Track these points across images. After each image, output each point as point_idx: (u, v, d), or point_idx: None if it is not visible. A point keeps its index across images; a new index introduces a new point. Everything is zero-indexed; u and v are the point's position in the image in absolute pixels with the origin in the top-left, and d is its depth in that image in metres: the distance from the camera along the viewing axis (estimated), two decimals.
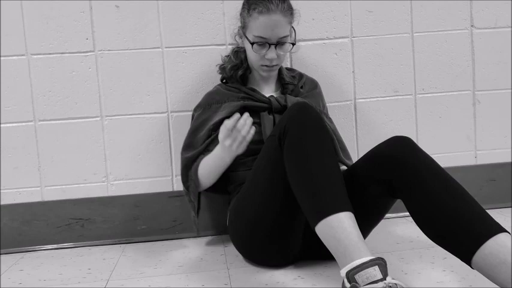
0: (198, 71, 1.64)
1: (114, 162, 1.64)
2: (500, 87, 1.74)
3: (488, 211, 1.71)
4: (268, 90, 1.51)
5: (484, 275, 1.01)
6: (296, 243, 1.27)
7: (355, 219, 1.05)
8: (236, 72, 1.49)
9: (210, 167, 1.40)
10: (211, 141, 1.43)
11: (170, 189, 1.66)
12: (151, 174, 1.65)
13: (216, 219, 1.65)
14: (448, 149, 1.74)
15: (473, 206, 1.07)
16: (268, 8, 1.35)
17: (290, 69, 1.59)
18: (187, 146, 1.48)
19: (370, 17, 1.69)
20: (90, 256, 1.54)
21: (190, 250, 1.53)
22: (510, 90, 1.75)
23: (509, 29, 1.73)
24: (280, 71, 1.52)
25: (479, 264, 1.01)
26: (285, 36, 1.39)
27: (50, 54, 1.61)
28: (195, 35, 1.64)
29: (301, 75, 1.57)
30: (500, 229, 1.02)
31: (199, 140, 1.45)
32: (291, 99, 1.44)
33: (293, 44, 1.42)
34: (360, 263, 0.97)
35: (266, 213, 1.22)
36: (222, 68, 1.52)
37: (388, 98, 1.71)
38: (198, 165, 1.42)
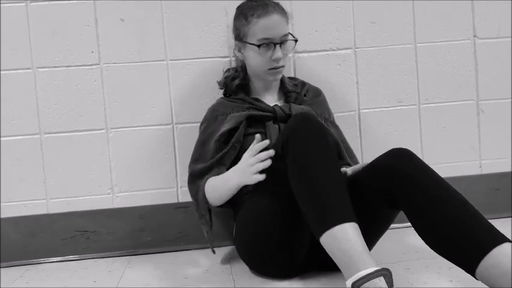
0: (203, 83, 1.65)
1: (120, 174, 1.65)
2: (503, 97, 1.75)
3: (493, 221, 1.71)
4: (271, 100, 1.50)
5: (487, 285, 1.01)
6: (302, 254, 1.26)
7: (359, 229, 1.06)
8: (232, 83, 1.49)
9: (217, 188, 1.35)
10: (225, 155, 1.40)
11: (175, 201, 1.66)
12: (156, 186, 1.66)
13: (222, 231, 1.65)
14: (453, 159, 1.74)
15: (475, 215, 1.07)
16: (267, 10, 1.38)
17: (292, 78, 1.60)
18: (196, 159, 1.46)
19: (373, 28, 1.70)
20: (95, 268, 1.54)
21: (196, 262, 1.53)
22: None
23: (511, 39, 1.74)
24: (282, 79, 1.51)
25: (483, 274, 1.00)
26: (286, 35, 1.41)
27: (55, 67, 1.62)
28: (199, 47, 1.65)
29: (303, 84, 1.57)
30: (503, 238, 1.02)
31: (208, 152, 1.44)
32: (296, 108, 1.43)
33: (295, 41, 1.43)
34: (366, 273, 0.97)
35: (270, 224, 1.23)
36: (223, 84, 1.53)
37: (392, 108, 1.72)
38: (205, 184, 1.38)
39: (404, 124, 1.72)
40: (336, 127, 1.56)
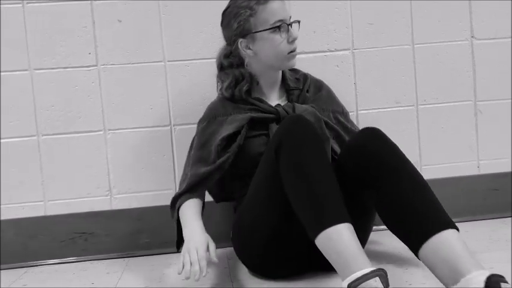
0: (201, 84, 1.65)
1: (117, 175, 1.65)
2: (501, 97, 1.75)
3: (491, 221, 1.73)
4: (274, 98, 1.46)
5: (429, 269, 1.05)
6: (299, 255, 1.26)
7: (353, 230, 1.06)
8: (241, 90, 1.41)
9: (181, 217, 1.37)
10: (225, 161, 1.37)
11: None
12: (154, 187, 1.66)
13: (220, 232, 1.64)
14: (451, 159, 1.74)
15: (429, 200, 1.10)
16: None
17: (293, 70, 1.55)
18: (197, 160, 1.42)
19: (371, 29, 1.70)
20: (93, 270, 1.54)
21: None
22: (511, 100, 1.75)
23: (509, 39, 1.74)
24: (283, 74, 1.47)
25: (424, 257, 1.05)
26: (291, 17, 1.38)
27: (52, 69, 1.62)
28: (197, 48, 1.65)
29: (305, 77, 1.52)
30: (448, 225, 1.05)
31: (209, 155, 1.40)
32: (300, 108, 1.39)
33: (299, 22, 1.40)
34: (361, 274, 0.97)
35: (266, 225, 1.23)
36: (230, 94, 1.42)
37: (390, 109, 1.72)
38: (183, 204, 1.37)
39: (402, 125, 1.72)
40: (351, 123, 1.52)
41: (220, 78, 1.45)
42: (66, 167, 1.63)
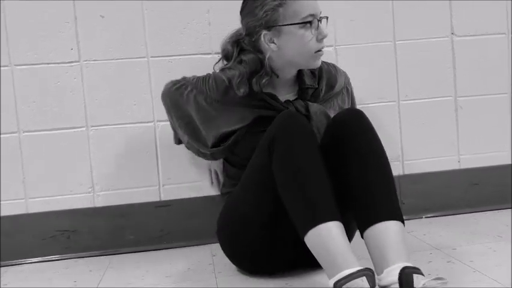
0: None
1: (100, 172, 1.63)
2: (481, 93, 1.78)
3: (471, 214, 1.76)
4: (284, 92, 1.35)
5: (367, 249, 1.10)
6: (286, 251, 1.26)
7: (343, 228, 1.06)
8: (259, 84, 1.29)
9: None
10: (220, 151, 1.36)
11: (157, 199, 1.65)
12: (137, 184, 1.64)
13: (204, 228, 1.64)
14: (432, 154, 1.76)
15: (385, 187, 1.12)
16: None
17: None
18: (198, 138, 1.38)
19: (353, 25, 1.71)
20: (76, 268, 1.52)
21: (178, 260, 1.52)
22: (490, 96, 1.78)
23: (488, 36, 1.77)
24: (301, 69, 1.35)
25: (366, 242, 1.10)
26: (321, 12, 1.28)
27: (34, 64, 1.60)
28: (181, 44, 1.64)
29: (320, 71, 1.38)
30: (390, 216, 1.08)
31: (210, 138, 1.35)
32: (313, 108, 1.31)
33: (327, 18, 1.29)
34: (348, 273, 0.98)
35: (255, 220, 1.22)
36: (248, 87, 1.29)
37: (372, 104, 1.73)
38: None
39: (385, 120, 1.74)
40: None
41: (228, 69, 1.31)
42: (48, 164, 1.61)
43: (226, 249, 1.34)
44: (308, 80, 1.35)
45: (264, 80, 1.28)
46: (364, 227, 1.10)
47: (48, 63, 1.60)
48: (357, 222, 1.13)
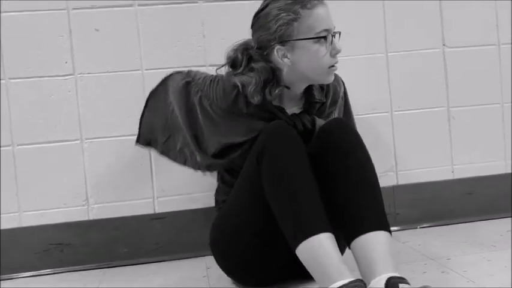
0: None
1: (95, 185, 1.63)
2: (473, 103, 1.79)
3: (465, 224, 1.76)
4: (290, 105, 1.32)
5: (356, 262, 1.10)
6: (281, 262, 1.25)
7: (335, 239, 1.07)
8: (272, 95, 1.26)
9: None
10: (220, 164, 1.33)
11: (152, 212, 1.65)
12: (132, 196, 1.64)
13: (199, 241, 1.63)
14: (426, 165, 1.77)
15: (372, 198, 1.12)
16: None
17: None
18: (198, 139, 1.33)
19: (347, 38, 1.72)
20: (69, 282, 1.51)
21: (173, 273, 1.51)
22: (483, 106, 1.80)
23: (479, 47, 1.79)
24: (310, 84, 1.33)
25: (353, 252, 1.10)
26: (335, 27, 1.26)
27: (28, 78, 1.60)
28: (175, 56, 1.65)
29: (328, 86, 1.36)
30: (378, 226, 1.08)
31: (211, 145, 1.31)
32: (319, 123, 1.29)
33: (340, 33, 1.27)
34: (340, 285, 0.98)
35: (247, 231, 1.22)
36: (255, 90, 1.24)
37: (365, 115, 1.74)
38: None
39: (378, 131, 1.75)
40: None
41: (241, 75, 1.27)
42: (42, 177, 1.60)
43: (220, 261, 1.34)
44: (317, 95, 1.33)
45: (277, 90, 1.26)
46: (350, 238, 1.10)
47: (42, 77, 1.61)
48: (343, 232, 1.12)
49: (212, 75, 1.36)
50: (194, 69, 1.64)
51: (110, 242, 1.62)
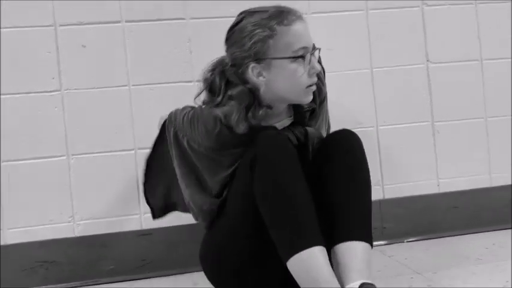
0: (166, 108, 1.64)
1: (81, 201, 1.61)
2: (457, 118, 1.82)
3: (451, 238, 1.77)
4: (279, 119, 1.26)
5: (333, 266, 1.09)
6: (272, 274, 1.22)
7: (326, 252, 1.06)
8: (256, 116, 1.19)
9: None
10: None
11: (139, 228, 1.64)
12: (119, 212, 1.63)
13: (186, 257, 1.62)
14: (412, 178, 1.79)
15: (360, 207, 1.13)
16: (295, 15, 1.17)
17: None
18: (201, 184, 1.26)
19: (332, 54, 1.75)
20: None
21: None
22: (466, 121, 1.82)
23: (462, 63, 1.82)
24: None
25: (332, 257, 1.10)
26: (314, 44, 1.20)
27: (14, 94, 1.59)
28: (162, 72, 1.66)
29: (320, 89, 1.29)
30: (359, 237, 1.09)
31: (214, 185, 1.24)
32: (311, 135, 1.23)
33: (319, 49, 1.22)
34: None
35: (238, 243, 1.20)
36: (239, 120, 1.17)
37: (352, 130, 1.75)
38: None
39: (364, 145, 1.76)
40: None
41: (222, 106, 1.20)
42: (27, 193, 1.59)
43: (208, 273, 1.30)
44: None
45: (260, 112, 1.19)
46: (333, 242, 1.10)
47: (29, 92, 1.60)
48: (325, 237, 1.10)
49: (189, 110, 1.28)
50: (181, 84, 1.66)
51: (96, 259, 1.61)
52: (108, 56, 1.64)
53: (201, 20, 1.67)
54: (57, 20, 1.61)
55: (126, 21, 1.64)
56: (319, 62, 1.30)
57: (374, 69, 1.78)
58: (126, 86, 1.65)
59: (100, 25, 1.63)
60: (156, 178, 1.37)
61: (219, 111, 1.19)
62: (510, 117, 1.83)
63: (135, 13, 1.64)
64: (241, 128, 1.17)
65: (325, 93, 1.34)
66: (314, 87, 1.21)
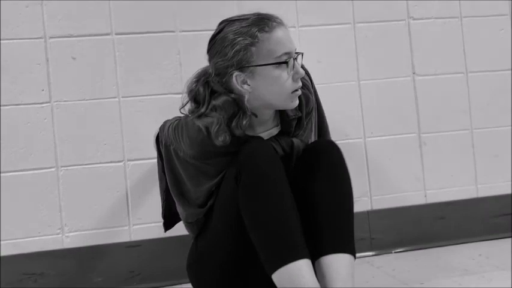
0: (155, 120, 1.65)
1: (70, 213, 1.61)
2: (443, 130, 1.84)
3: (438, 248, 1.79)
4: (264, 128, 1.25)
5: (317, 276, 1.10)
6: (256, 285, 1.22)
7: (311, 265, 1.07)
8: (241, 127, 1.17)
9: None
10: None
11: (128, 239, 1.63)
12: (108, 224, 1.63)
13: (174, 268, 1.62)
14: (399, 190, 1.80)
15: (343, 220, 1.14)
16: (277, 21, 1.17)
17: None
18: (182, 193, 1.26)
19: (319, 67, 1.77)
20: None
21: None
22: (453, 132, 1.84)
23: (448, 75, 1.85)
24: None
25: (316, 268, 1.11)
26: (296, 49, 1.19)
27: (4, 105, 1.60)
28: (152, 84, 1.67)
29: (307, 98, 1.28)
30: (342, 249, 1.10)
31: (199, 195, 1.24)
32: (296, 145, 1.23)
33: (302, 54, 1.21)
34: None
35: (223, 252, 1.20)
36: (218, 131, 1.15)
37: (339, 141, 1.74)
38: None
39: (352, 156, 1.77)
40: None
41: (205, 117, 1.18)
42: (16, 205, 1.58)
43: (194, 284, 1.29)
44: (291, 111, 1.24)
45: (244, 122, 1.17)
46: (317, 254, 1.11)
47: (18, 104, 1.60)
48: (309, 248, 1.10)
49: (174, 120, 1.28)
50: (171, 96, 1.67)
51: (85, 271, 1.60)
52: (98, 68, 1.64)
53: (190, 32, 1.69)
54: (47, 32, 1.62)
55: (116, 34, 1.66)
56: (305, 70, 1.31)
57: (361, 82, 1.80)
58: (115, 97, 1.66)
59: (90, 37, 1.64)
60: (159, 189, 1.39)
61: (200, 123, 1.19)
62: (495, 128, 1.86)
63: (124, 26, 1.66)
64: (220, 140, 1.15)
65: (314, 103, 1.33)
66: (299, 92, 1.20)
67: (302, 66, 1.28)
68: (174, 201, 1.31)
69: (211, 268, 1.23)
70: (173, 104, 1.63)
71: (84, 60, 1.64)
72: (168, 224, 1.40)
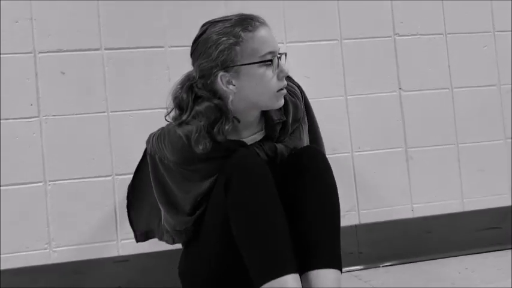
0: (144, 134, 1.66)
1: (57, 228, 1.60)
2: (429, 144, 1.87)
3: (426, 262, 1.80)
4: (249, 132, 1.24)
5: None
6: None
7: (299, 279, 1.07)
8: (223, 131, 1.17)
9: None
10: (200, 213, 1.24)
11: (116, 254, 1.63)
12: (95, 239, 1.62)
13: (162, 283, 1.62)
14: (386, 204, 1.82)
15: (330, 233, 1.14)
16: (260, 21, 1.18)
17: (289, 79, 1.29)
18: (173, 203, 1.24)
19: (308, 82, 1.79)
20: None
21: None
22: (439, 147, 1.87)
23: (434, 91, 1.88)
24: None
25: (303, 281, 1.10)
26: (279, 48, 1.20)
27: None
28: (141, 99, 1.68)
29: (295, 105, 1.28)
30: (329, 264, 1.11)
31: (186, 203, 1.23)
32: (280, 151, 1.22)
33: (285, 54, 1.21)
34: None
35: (211, 263, 1.20)
36: (198, 138, 1.15)
37: (327, 156, 1.78)
38: None
39: (339, 170, 1.78)
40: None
41: (185, 124, 1.18)
42: (3, 219, 1.57)
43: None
44: (275, 115, 1.24)
45: (227, 127, 1.17)
46: (303, 268, 1.11)
47: (7, 119, 1.60)
48: (297, 259, 1.11)
49: (158, 130, 1.29)
50: (160, 110, 1.67)
51: (72, 286, 1.59)
52: (87, 83, 1.65)
53: (179, 48, 1.71)
54: (36, 47, 1.63)
55: (105, 49, 1.67)
56: (296, 84, 1.35)
57: (348, 97, 1.83)
58: (104, 112, 1.66)
59: (79, 52, 1.65)
60: (141, 202, 1.38)
61: (180, 131, 1.18)
62: (480, 143, 1.89)
63: (114, 41, 1.67)
64: (200, 148, 1.15)
65: (303, 112, 1.33)
66: (284, 91, 1.20)
67: (293, 81, 1.31)
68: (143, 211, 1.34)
69: (202, 276, 1.23)
70: (162, 119, 1.63)
71: (73, 75, 1.65)
72: (140, 238, 1.41)
